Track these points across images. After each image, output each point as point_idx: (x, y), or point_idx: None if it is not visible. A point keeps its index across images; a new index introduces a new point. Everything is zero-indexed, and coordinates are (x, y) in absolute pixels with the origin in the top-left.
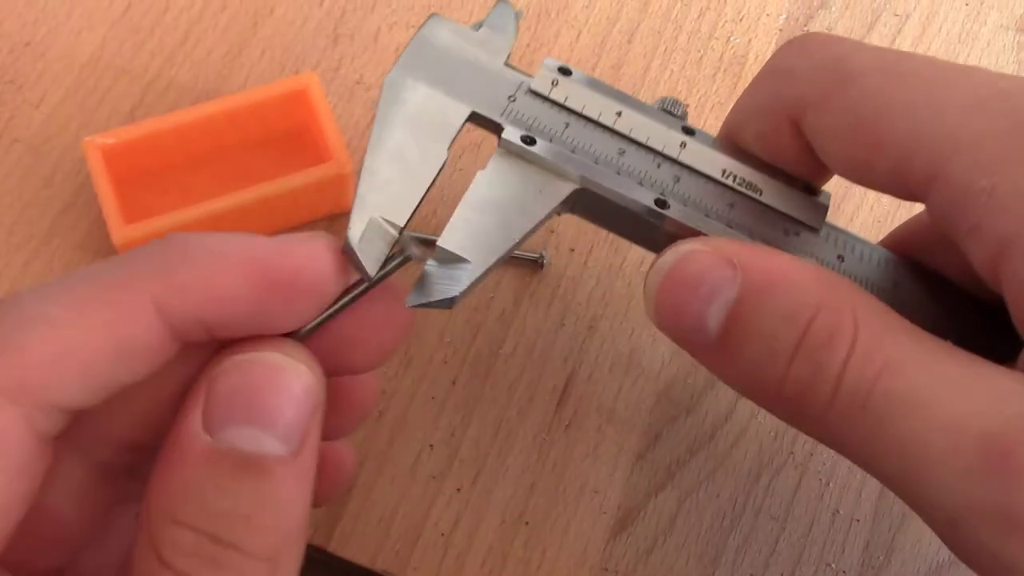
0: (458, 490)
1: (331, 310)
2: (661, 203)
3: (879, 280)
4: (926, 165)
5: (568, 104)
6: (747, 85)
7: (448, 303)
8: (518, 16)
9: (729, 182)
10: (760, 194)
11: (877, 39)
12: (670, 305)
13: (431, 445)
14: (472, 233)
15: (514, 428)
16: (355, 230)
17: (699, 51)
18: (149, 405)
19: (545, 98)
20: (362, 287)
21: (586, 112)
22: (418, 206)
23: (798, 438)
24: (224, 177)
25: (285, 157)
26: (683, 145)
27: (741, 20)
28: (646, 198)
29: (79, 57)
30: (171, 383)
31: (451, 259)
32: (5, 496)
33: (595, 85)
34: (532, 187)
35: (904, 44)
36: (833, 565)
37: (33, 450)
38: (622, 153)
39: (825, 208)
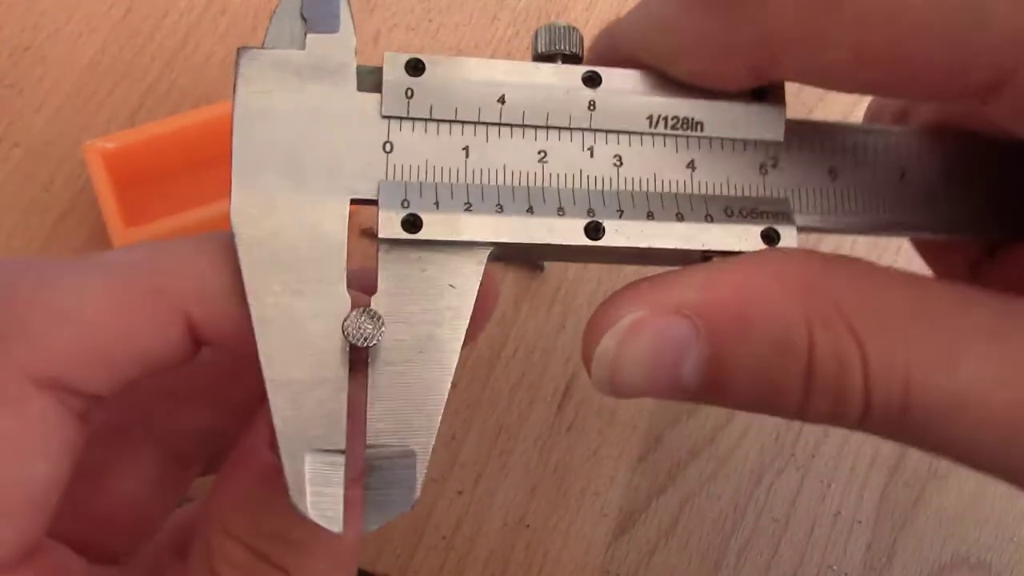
0: (459, 493)
1: None
2: (594, 229)
3: (883, 179)
4: (987, 72)
5: (435, 115)
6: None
7: (409, 507)
8: None
9: (661, 129)
10: (701, 128)
11: None
12: (631, 389)
13: (432, 448)
14: (398, 400)
15: (515, 431)
16: (294, 485)
17: None
18: (216, 397)
19: (405, 118)
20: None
21: (460, 116)
22: (348, 410)
23: (799, 440)
24: (224, 181)
25: None
26: (591, 106)
27: None
28: (573, 232)
29: (79, 61)
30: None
31: (391, 462)
32: (48, 475)
33: (457, 68)
34: (441, 284)
35: None
36: (835, 567)
37: (70, 429)
38: (542, 159)
39: (782, 112)
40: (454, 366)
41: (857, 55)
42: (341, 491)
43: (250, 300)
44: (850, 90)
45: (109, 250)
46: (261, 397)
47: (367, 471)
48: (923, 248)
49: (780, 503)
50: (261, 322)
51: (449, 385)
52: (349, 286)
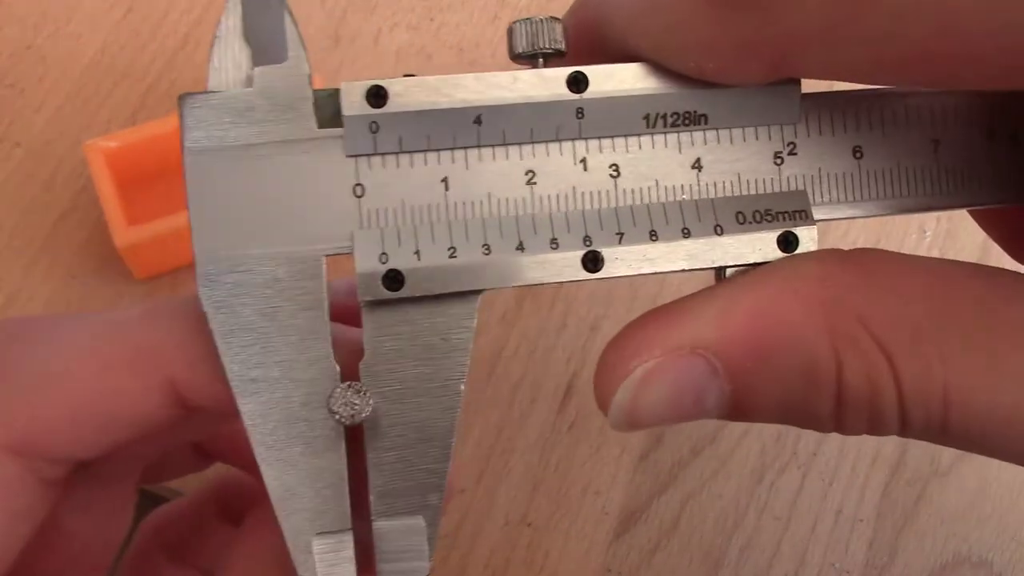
0: (461, 492)
1: None
2: (592, 260)
3: (915, 152)
4: None
5: (407, 147)
6: None
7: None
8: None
9: (660, 128)
10: (706, 121)
11: None
12: (652, 425)
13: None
14: (399, 469)
15: (516, 430)
16: (303, 569)
17: None
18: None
19: (374, 154)
20: None
21: (434, 144)
22: (350, 492)
23: (800, 439)
24: None
25: None
26: (580, 114)
27: None
28: (569, 268)
29: (80, 60)
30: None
31: (398, 534)
32: (7, 537)
33: (423, 90)
34: (432, 339)
35: None
36: (837, 565)
37: (36, 496)
38: (534, 182)
39: (796, 90)
40: (456, 421)
41: (892, 51)
42: (352, 568)
43: (227, 373)
44: (880, 84)
45: (93, 313)
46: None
47: (379, 546)
48: (978, 215)
49: (782, 502)
50: (243, 397)
51: (453, 441)
52: (334, 343)
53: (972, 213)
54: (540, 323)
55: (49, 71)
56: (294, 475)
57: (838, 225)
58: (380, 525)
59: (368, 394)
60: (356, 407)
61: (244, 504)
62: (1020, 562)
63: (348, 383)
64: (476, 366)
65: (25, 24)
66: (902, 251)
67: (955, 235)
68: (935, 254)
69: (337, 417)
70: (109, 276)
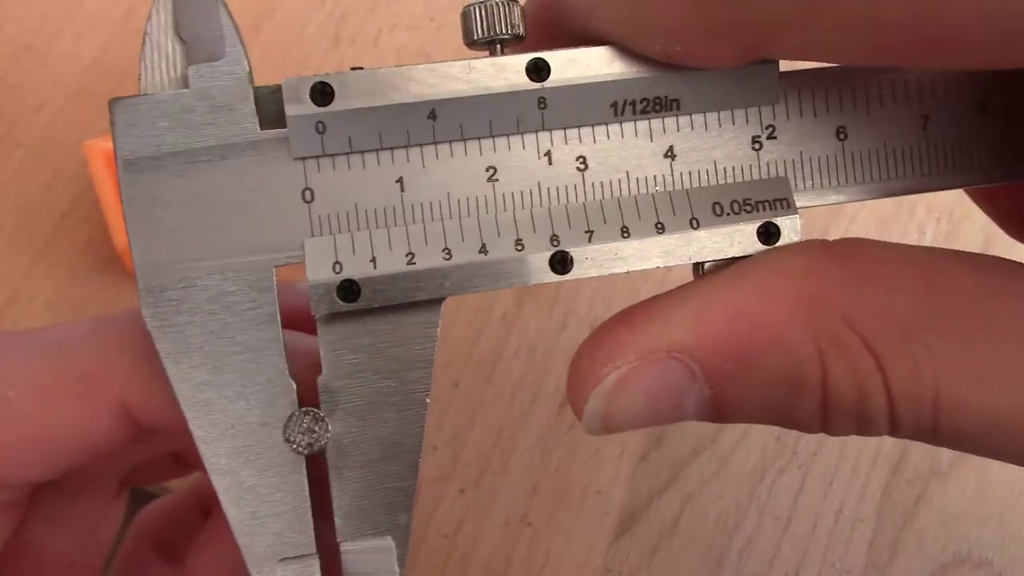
0: (461, 492)
1: None
2: (560, 261)
3: (902, 130)
4: None
5: (357, 146)
6: None
7: None
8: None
9: (629, 115)
10: (678, 107)
11: None
12: (628, 429)
13: (434, 447)
14: (364, 490)
15: (517, 430)
16: None
17: None
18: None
19: (322, 155)
20: None
21: (387, 142)
22: (313, 509)
23: (801, 439)
24: None
25: None
26: (542, 104)
27: None
28: (535, 270)
29: (81, 61)
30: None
31: (366, 556)
32: None
33: (372, 84)
34: (392, 351)
35: None
36: (837, 565)
37: None
38: (493, 178)
39: (774, 69)
40: (422, 436)
41: (871, 32)
42: None
43: (177, 395)
44: (858, 63)
45: (41, 327)
46: None
47: (343, 568)
48: (978, 195)
49: (782, 502)
50: (194, 420)
51: (420, 455)
52: (290, 356)
53: (966, 189)
54: (540, 323)
55: (50, 71)
56: (253, 500)
57: (837, 227)
58: (347, 547)
59: (327, 421)
60: (314, 435)
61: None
62: (1021, 562)
63: (305, 408)
64: (477, 366)
65: (26, 24)
66: None
67: (955, 236)
68: None
69: (294, 447)
70: (109, 276)
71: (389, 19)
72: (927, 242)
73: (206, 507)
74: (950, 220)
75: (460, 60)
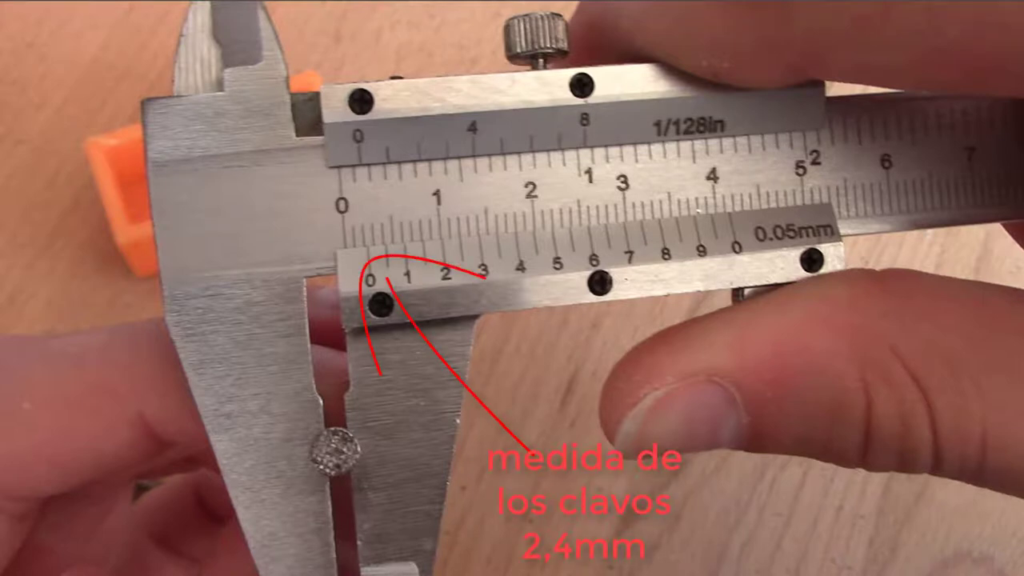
0: (463, 488)
1: None
2: (600, 281)
3: (947, 161)
4: None
5: (394, 157)
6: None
7: None
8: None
9: (673, 135)
10: (722, 128)
11: None
12: (663, 451)
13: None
14: (390, 515)
15: (518, 426)
16: None
17: None
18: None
19: (358, 164)
20: None
21: (425, 153)
22: (335, 530)
23: None
24: None
25: None
26: (584, 120)
27: None
28: (574, 290)
29: (82, 58)
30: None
31: None
32: None
33: (412, 93)
34: (424, 369)
35: None
36: (838, 561)
37: (4, 530)
38: (532, 195)
39: (820, 93)
40: (451, 455)
41: (928, 50)
42: None
43: (199, 407)
44: (913, 87)
45: (60, 336)
46: None
47: None
48: (1011, 227)
49: (783, 498)
50: (216, 434)
51: (448, 478)
52: (317, 372)
53: (1005, 225)
54: (541, 320)
55: (51, 69)
56: (274, 519)
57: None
58: (369, 572)
59: (355, 442)
60: (343, 456)
61: (219, 501)
62: (1021, 558)
63: (333, 428)
64: (478, 363)
65: (27, 22)
66: (902, 250)
67: (955, 234)
68: (936, 252)
69: (321, 467)
70: (110, 274)
71: (390, 16)
72: (928, 241)
73: (200, 496)
74: None
75: (503, 72)
